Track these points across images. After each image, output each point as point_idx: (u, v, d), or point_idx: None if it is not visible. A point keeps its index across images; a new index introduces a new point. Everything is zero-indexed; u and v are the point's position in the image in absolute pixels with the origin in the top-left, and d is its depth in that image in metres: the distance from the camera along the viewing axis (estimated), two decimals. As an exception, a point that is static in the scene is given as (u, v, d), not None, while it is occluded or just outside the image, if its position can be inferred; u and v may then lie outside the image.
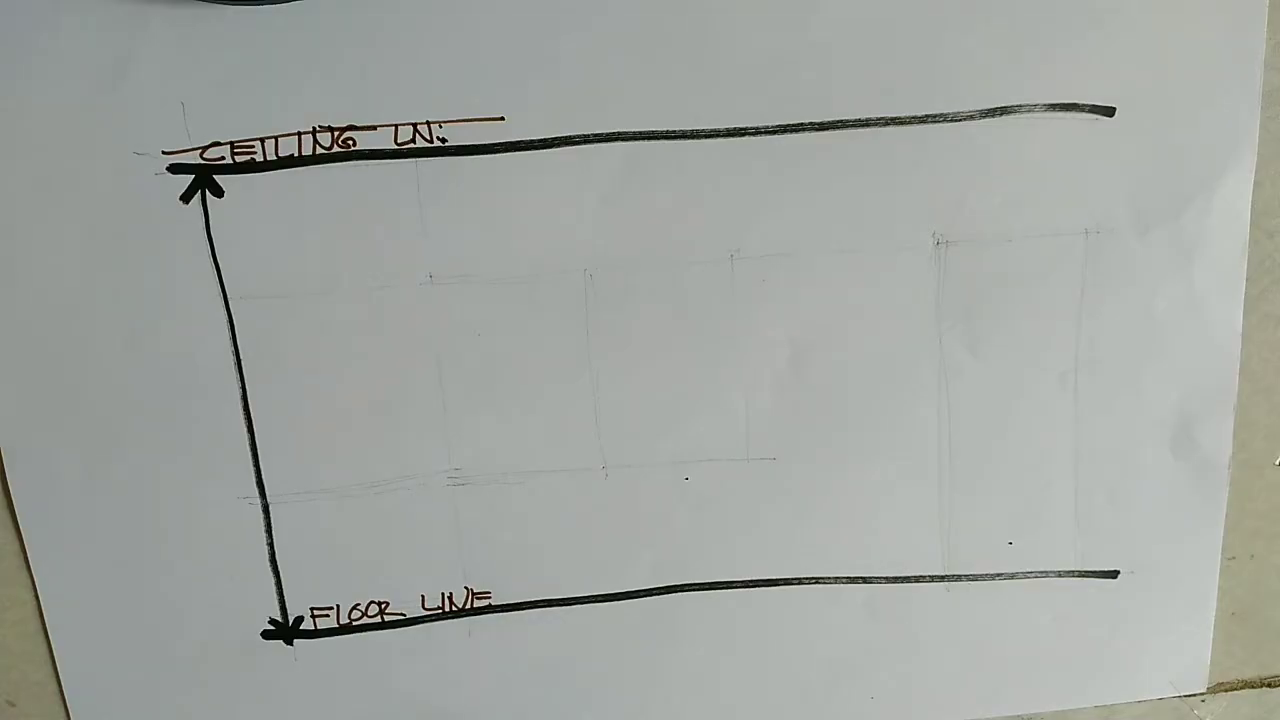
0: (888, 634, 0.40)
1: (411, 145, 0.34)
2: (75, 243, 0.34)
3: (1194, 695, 0.42)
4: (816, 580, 0.39)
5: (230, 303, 0.35)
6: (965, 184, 0.36)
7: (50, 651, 0.38)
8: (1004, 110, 0.35)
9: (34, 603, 0.37)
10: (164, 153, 0.34)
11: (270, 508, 0.37)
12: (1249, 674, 0.42)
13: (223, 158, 0.34)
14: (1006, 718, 0.41)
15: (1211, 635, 0.41)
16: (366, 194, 0.34)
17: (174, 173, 0.34)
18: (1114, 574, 0.40)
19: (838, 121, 0.35)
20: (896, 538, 0.39)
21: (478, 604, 0.39)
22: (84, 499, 0.36)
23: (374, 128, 0.34)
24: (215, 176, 0.34)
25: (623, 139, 0.34)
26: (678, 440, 0.37)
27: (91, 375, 0.35)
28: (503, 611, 0.39)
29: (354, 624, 0.38)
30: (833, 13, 0.34)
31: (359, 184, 0.34)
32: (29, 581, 0.37)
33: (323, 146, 0.34)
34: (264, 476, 0.37)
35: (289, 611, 0.38)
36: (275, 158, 0.34)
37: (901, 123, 0.35)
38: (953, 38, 0.34)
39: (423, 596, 0.38)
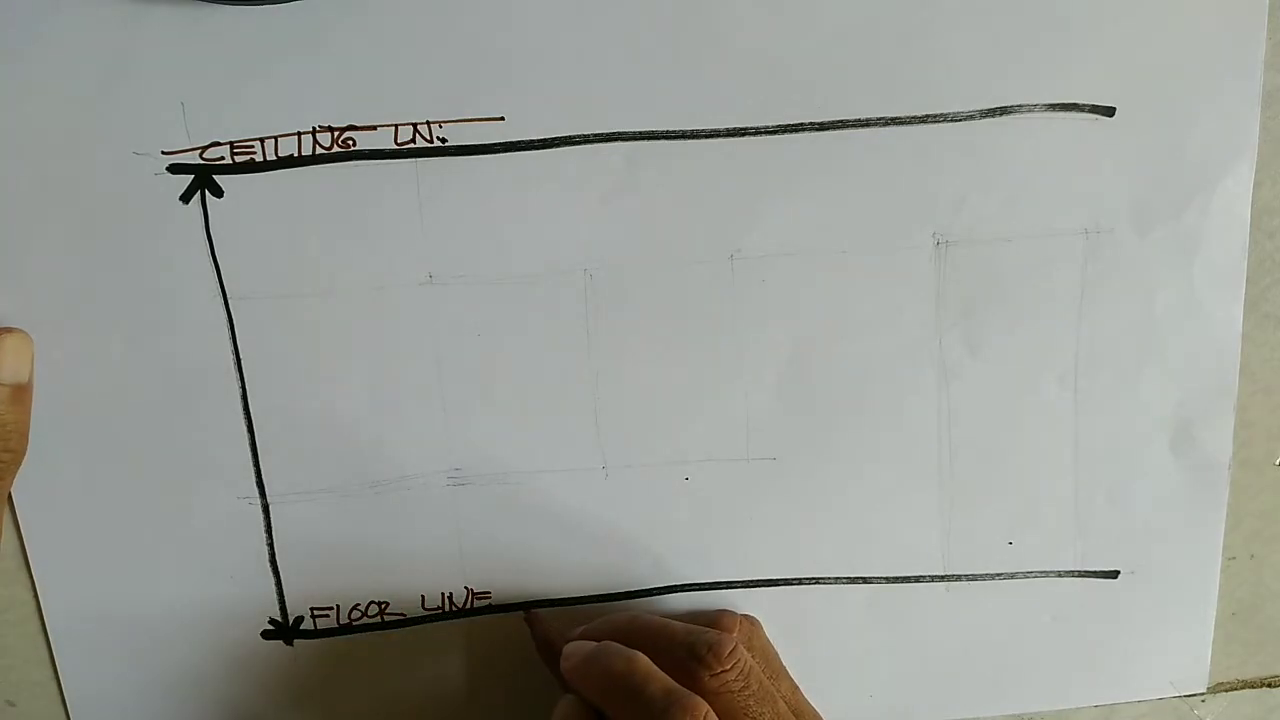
0: (888, 634, 0.40)
1: (411, 145, 0.34)
2: (75, 243, 0.34)
3: (1194, 695, 0.42)
4: (816, 580, 0.39)
5: (230, 303, 0.35)
6: (965, 184, 0.36)
7: (50, 651, 0.38)
8: (1004, 110, 0.35)
9: (34, 603, 0.37)
10: (164, 153, 0.34)
11: (270, 508, 0.37)
12: (1249, 674, 0.42)
13: (222, 158, 0.34)
14: (1006, 717, 0.41)
15: (1211, 635, 0.41)
16: (366, 194, 0.34)
17: (174, 173, 0.34)
18: (1114, 574, 0.40)
19: (838, 121, 0.35)
20: (897, 537, 0.39)
21: (478, 604, 0.39)
22: (84, 499, 0.36)
23: (374, 128, 0.34)
24: (215, 176, 0.34)
25: (623, 139, 0.35)
26: (678, 440, 0.37)
27: (91, 375, 0.35)
28: (503, 611, 0.39)
29: (354, 624, 0.38)
30: (832, 13, 0.34)
31: (359, 184, 0.34)
32: (29, 581, 0.37)
33: (323, 146, 0.34)
34: (264, 476, 0.37)
35: (289, 611, 0.38)
36: (275, 158, 0.34)
37: (901, 123, 0.35)
38: (953, 38, 0.34)
39: (423, 597, 0.38)
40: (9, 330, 0.34)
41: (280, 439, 0.36)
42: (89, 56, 0.33)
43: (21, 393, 0.34)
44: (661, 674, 0.31)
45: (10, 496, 0.36)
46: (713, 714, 0.30)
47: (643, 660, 0.32)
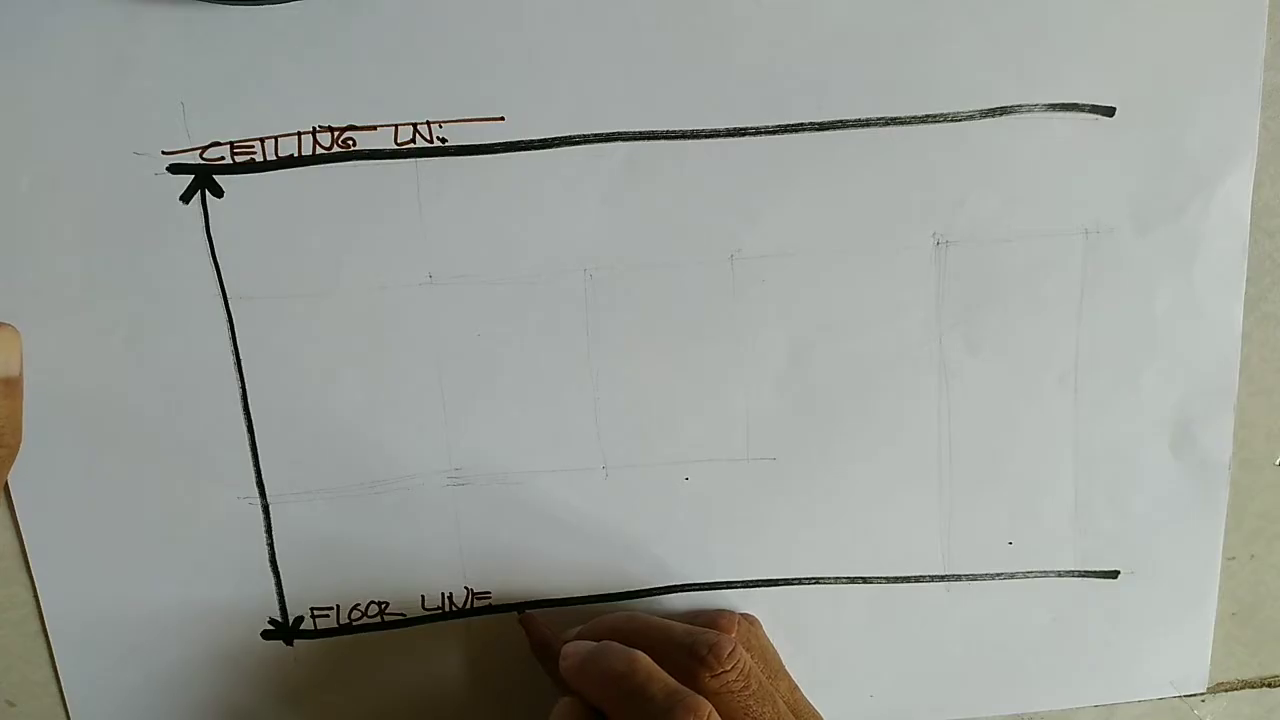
0: (888, 634, 0.40)
1: (411, 145, 0.34)
2: (75, 243, 0.34)
3: (1194, 695, 0.42)
4: (816, 580, 0.39)
5: (230, 303, 0.35)
6: (965, 184, 0.36)
7: (50, 651, 0.38)
8: (1004, 110, 0.35)
9: (34, 603, 0.37)
10: (164, 153, 0.34)
11: (270, 508, 0.37)
12: (1249, 674, 0.42)
13: (223, 158, 0.34)
14: (1006, 717, 0.41)
15: (1211, 635, 0.41)
16: (366, 194, 0.34)
17: (174, 173, 0.34)
18: (1114, 574, 0.40)
19: (838, 121, 0.35)
20: (897, 537, 0.39)
21: (478, 604, 0.39)
22: (84, 499, 0.36)
23: (374, 128, 0.34)
24: (215, 176, 0.34)
25: (623, 139, 0.35)
26: (678, 440, 0.37)
27: (91, 375, 0.35)
28: (502, 611, 0.39)
29: (354, 624, 0.38)
30: (832, 13, 0.34)
31: (359, 184, 0.34)
32: (29, 581, 0.37)
33: (323, 146, 0.34)
34: (264, 476, 0.37)
35: (289, 611, 0.38)
36: (275, 158, 0.34)
37: (901, 123, 0.35)
38: (953, 38, 0.34)
39: (423, 597, 0.38)
40: None
41: (280, 439, 0.36)
42: (89, 56, 0.33)
43: (12, 386, 0.34)
44: (663, 674, 0.31)
45: (10, 496, 0.36)
46: (716, 714, 0.30)
47: (644, 660, 0.32)
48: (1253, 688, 0.42)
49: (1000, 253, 0.36)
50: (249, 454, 0.36)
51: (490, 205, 0.35)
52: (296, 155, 0.34)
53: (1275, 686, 0.42)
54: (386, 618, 0.38)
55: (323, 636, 0.38)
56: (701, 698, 0.30)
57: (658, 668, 0.32)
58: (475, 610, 0.39)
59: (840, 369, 0.37)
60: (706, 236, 0.36)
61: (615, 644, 0.33)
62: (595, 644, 0.33)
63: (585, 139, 0.34)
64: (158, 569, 0.37)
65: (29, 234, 0.34)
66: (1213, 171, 0.36)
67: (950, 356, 0.37)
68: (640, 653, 0.32)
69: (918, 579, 0.39)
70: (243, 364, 0.35)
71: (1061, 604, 0.40)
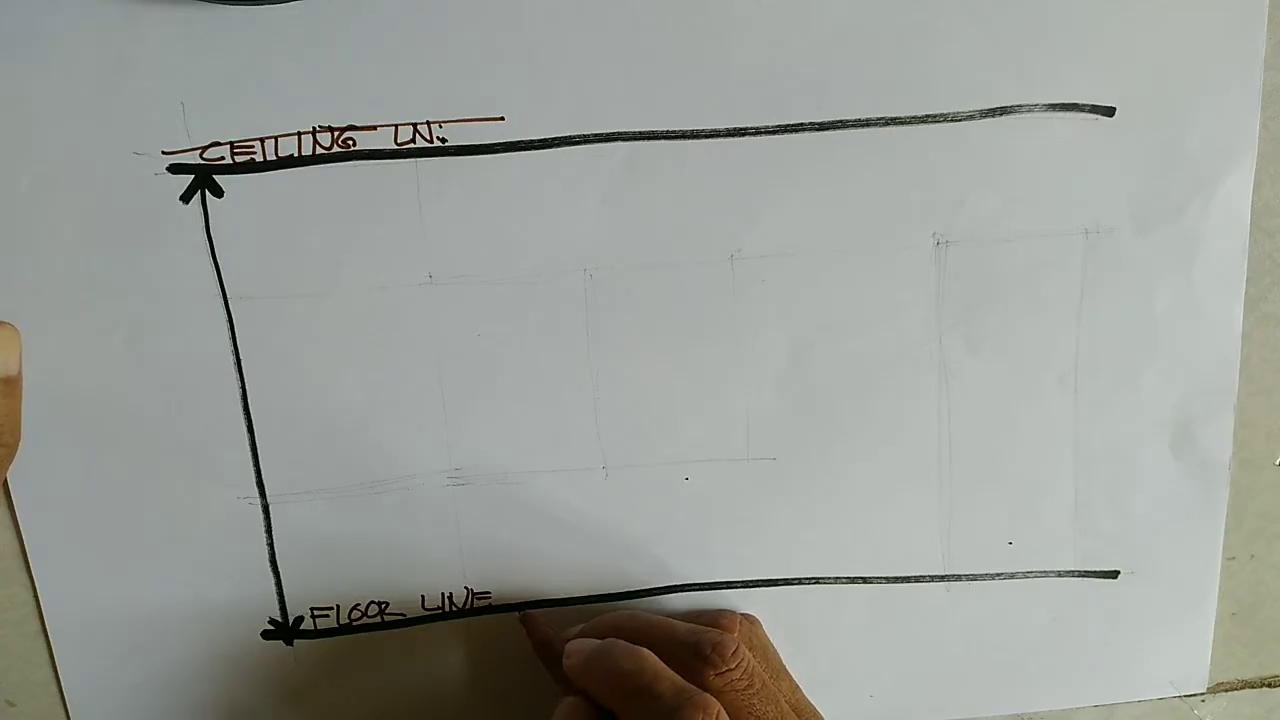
0: (888, 634, 0.40)
1: (411, 145, 0.34)
2: (75, 243, 0.34)
3: (1194, 695, 0.42)
4: (816, 580, 0.39)
5: (230, 303, 0.35)
6: (965, 184, 0.36)
7: (50, 651, 0.38)
8: (1004, 110, 0.35)
9: (34, 603, 0.37)
10: (164, 153, 0.34)
11: (270, 508, 0.37)
12: (1249, 674, 0.42)
13: (223, 158, 0.34)
14: (1006, 717, 0.41)
15: (1211, 635, 0.41)
16: (366, 194, 0.34)
17: (174, 173, 0.34)
18: (1114, 574, 0.40)
19: (838, 121, 0.35)
20: (897, 537, 0.39)
21: (478, 604, 0.39)
22: (84, 499, 0.36)
23: (374, 128, 0.34)
24: (215, 176, 0.34)
25: (623, 139, 0.35)
26: (678, 440, 0.37)
27: (91, 375, 0.35)
28: (503, 611, 0.39)
29: (354, 624, 0.38)
30: (832, 13, 0.34)
31: (359, 184, 0.34)
32: (29, 581, 0.37)
33: (323, 146, 0.34)
34: (264, 476, 0.37)
35: (289, 611, 0.38)
36: (275, 158, 0.34)
37: (901, 123, 0.35)
38: (953, 38, 0.34)
39: (423, 597, 0.38)
40: None
41: (280, 439, 0.36)
42: (89, 56, 0.33)
43: (11, 385, 0.34)
44: (670, 672, 0.31)
45: (9, 495, 0.36)
46: (724, 712, 0.30)
47: (651, 658, 0.32)
48: (1253, 688, 0.42)
49: (1000, 253, 0.36)
50: (249, 454, 0.36)
51: (490, 205, 0.35)
52: (296, 155, 0.34)
53: (1275, 686, 0.42)
54: (386, 618, 0.38)
55: (323, 636, 0.38)
56: (710, 696, 0.30)
57: (665, 666, 0.32)
58: (475, 610, 0.39)
59: (840, 369, 0.37)
60: (706, 236, 0.36)
61: (621, 642, 0.33)
62: (600, 642, 0.33)
63: (585, 139, 0.34)
64: (158, 569, 0.37)
65: (29, 234, 0.34)
66: (1213, 171, 0.36)
67: (950, 356, 0.37)
68: (647, 650, 0.32)
69: (918, 579, 0.39)
70: (243, 364, 0.35)
71: (1061, 604, 0.40)
